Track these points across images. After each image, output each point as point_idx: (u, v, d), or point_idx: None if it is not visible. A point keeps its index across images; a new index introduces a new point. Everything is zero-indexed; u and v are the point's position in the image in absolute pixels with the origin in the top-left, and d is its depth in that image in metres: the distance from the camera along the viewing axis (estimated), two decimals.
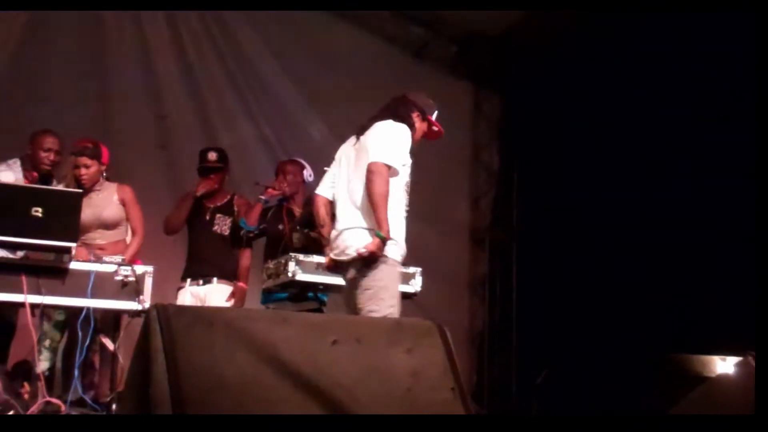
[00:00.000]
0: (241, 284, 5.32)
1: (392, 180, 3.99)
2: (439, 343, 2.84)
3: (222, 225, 5.35)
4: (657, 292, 5.96)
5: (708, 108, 5.70)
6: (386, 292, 4.00)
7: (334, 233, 4.16)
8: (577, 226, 6.74)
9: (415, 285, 4.73)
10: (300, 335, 2.63)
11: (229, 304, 5.17)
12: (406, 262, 4.61)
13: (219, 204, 5.39)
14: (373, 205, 3.92)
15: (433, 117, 4.33)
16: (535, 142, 7.50)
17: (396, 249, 4.04)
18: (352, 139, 4.28)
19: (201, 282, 5.25)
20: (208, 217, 5.33)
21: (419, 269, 4.75)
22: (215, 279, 5.27)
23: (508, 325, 7.51)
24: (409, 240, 6.79)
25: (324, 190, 4.29)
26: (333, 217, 4.22)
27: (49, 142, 5.03)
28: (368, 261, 3.95)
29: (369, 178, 3.93)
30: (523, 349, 6.89)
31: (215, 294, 5.22)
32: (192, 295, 5.23)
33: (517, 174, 7.80)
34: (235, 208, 5.41)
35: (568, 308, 6.61)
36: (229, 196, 5.46)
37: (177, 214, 5.33)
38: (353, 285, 4.07)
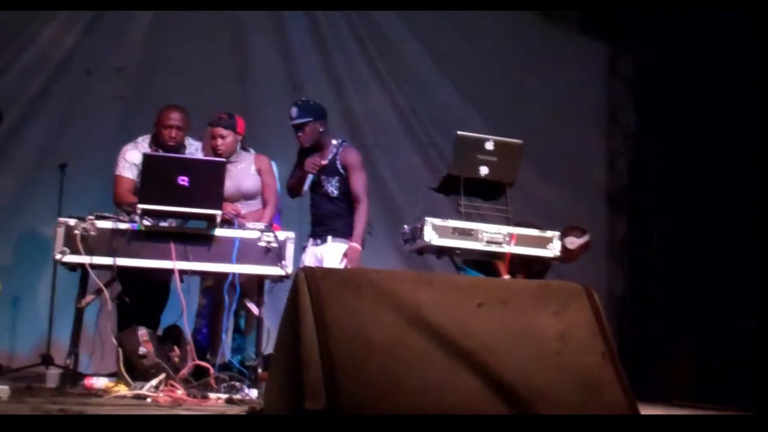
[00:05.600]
0: (353, 244, 5.16)
1: None
2: (587, 305, 2.75)
3: (328, 185, 5.27)
4: None
5: None
6: None
7: None
8: (720, 186, 6.43)
9: (554, 249, 4.64)
10: (445, 297, 2.61)
11: (342, 265, 5.07)
12: (543, 225, 4.63)
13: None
14: None
15: None
16: (673, 102, 7.19)
17: None
18: None
19: (318, 242, 5.24)
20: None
21: (557, 233, 4.66)
22: (329, 238, 5.22)
23: (649, 290, 7.28)
24: (546, 203, 6.67)
25: None
26: None
27: (171, 118, 4.90)
28: None
29: None
30: (665, 315, 6.64)
31: (330, 253, 5.12)
32: (311, 255, 5.22)
33: (655, 135, 7.51)
34: (338, 164, 5.30)
35: (713, 273, 6.33)
36: (331, 155, 5.36)
37: (293, 183, 5.30)
38: None
